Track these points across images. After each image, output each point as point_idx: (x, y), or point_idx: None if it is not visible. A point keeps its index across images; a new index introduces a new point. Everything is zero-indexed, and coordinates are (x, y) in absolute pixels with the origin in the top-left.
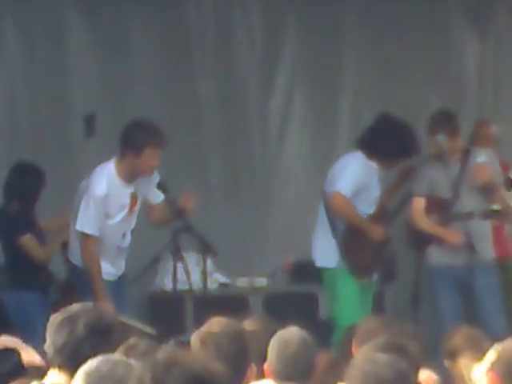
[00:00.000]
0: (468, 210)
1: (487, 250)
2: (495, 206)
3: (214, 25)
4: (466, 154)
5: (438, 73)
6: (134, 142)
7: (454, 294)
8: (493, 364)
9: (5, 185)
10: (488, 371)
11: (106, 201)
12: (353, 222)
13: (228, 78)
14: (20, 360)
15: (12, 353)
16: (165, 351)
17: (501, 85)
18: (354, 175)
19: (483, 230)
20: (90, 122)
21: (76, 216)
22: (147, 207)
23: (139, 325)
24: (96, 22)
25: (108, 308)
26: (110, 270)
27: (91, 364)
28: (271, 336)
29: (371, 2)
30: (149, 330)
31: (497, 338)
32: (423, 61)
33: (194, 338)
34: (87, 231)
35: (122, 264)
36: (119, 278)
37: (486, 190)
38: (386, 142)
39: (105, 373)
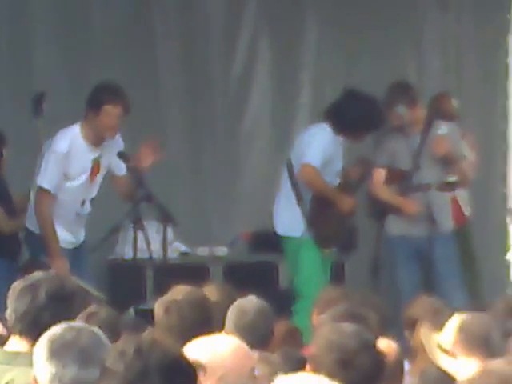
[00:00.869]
0: (427, 181)
1: (446, 221)
2: (451, 178)
3: None
4: (428, 125)
5: (401, 44)
6: (94, 100)
7: (413, 265)
8: (456, 335)
9: None
10: (452, 342)
11: (67, 159)
12: (324, 194)
13: (189, 42)
14: None
15: None
16: (150, 333)
17: (462, 57)
18: (323, 147)
19: (442, 201)
20: (37, 103)
21: (38, 173)
22: (112, 178)
23: (89, 289)
24: None
25: (62, 267)
26: (68, 238)
27: (55, 331)
28: (231, 305)
29: None
30: (99, 295)
31: (456, 308)
32: (387, 33)
33: (158, 305)
34: (44, 185)
35: (81, 232)
36: (78, 246)
37: (446, 162)
38: (353, 115)
39: (69, 340)
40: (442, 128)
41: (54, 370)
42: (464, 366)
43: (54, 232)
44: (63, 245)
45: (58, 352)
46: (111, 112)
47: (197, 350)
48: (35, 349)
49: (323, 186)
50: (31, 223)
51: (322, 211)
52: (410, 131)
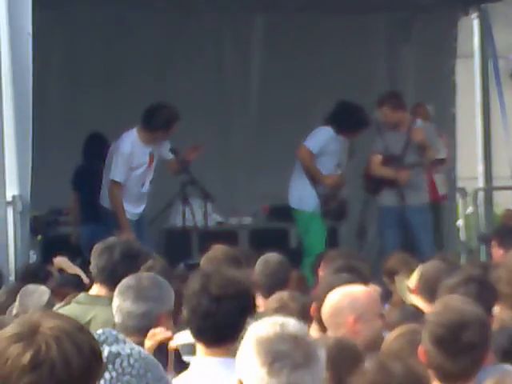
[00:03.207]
0: (410, 162)
1: (422, 196)
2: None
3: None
4: (412, 123)
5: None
6: (163, 119)
7: (396, 228)
8: (416, 281)
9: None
10: (414, 286)
11: (131, 157)
12: (311, 172)
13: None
14: (82, 282)
15: (78, 277)
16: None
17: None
18: (323, 140)
19: (419, 181)
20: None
21: (108, 169)
22: (165, 162)
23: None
24: None
25: (129, 236)
26: (132, 210)
27: (126, 279)
28: (256, 260)
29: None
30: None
31: (424, 260)
32: (365, 65)
33: (203, 260)
34: (114, 178)
35: (142, 206)
36: (139, 216)
37: (421, 148)
38: (349, 120)
39: (131, 283)
40: (418, 123)
41: (117, 303)
42: (422, 302)
43: (124, 211)
44: (130, 217)
45: (121, 291)
46: (174, 128)
47: (340, 294)
48: (115, 294)
49: (311, 167)
50: (105, 202)
51: (331, 193)
52: (398, 129)
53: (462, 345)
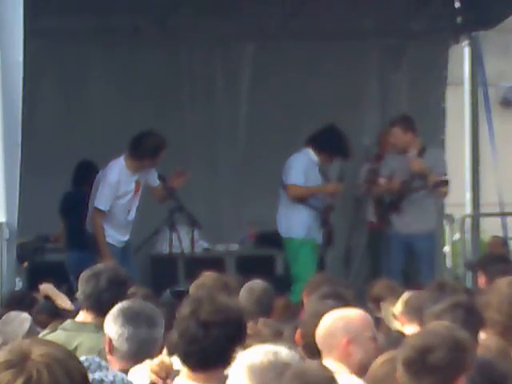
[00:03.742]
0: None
1: (428, 223)
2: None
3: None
4: (422, 150)
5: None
6: (150, 148)
7: (400, 254)
8: (402, 307)
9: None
10: (399, 313)
11: (117, 186)
12: (314, 194)
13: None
14: (58, 309)
15: (53, 304)
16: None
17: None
18: (302, 168)
19: (427, 206)
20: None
21: (94, 196)
22: (150, 189)
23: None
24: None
25: (109, 262)
26: (119, 238)
27: (125, 304)
28: (241, 286)
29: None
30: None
31: (410, 287)
32: (357, 91)
33: (193, 286)
34: (99, 206)
35: (128, 234)
36: (125, 243)
37: (423, 176)
38: (332, 145)
39: (138, 309)
40: (412, 151)
41: (130, 331)
42: (408, 328)
43: (104, 239)
44: (115, 243)
45: (130, 318)
46: (162, 156)
47: (335, 317)
48: (109, 318)
49: (309, 191)
50: (89, 227)
51: (326, 218)
52: (407, 153)
53: (427, 366)
